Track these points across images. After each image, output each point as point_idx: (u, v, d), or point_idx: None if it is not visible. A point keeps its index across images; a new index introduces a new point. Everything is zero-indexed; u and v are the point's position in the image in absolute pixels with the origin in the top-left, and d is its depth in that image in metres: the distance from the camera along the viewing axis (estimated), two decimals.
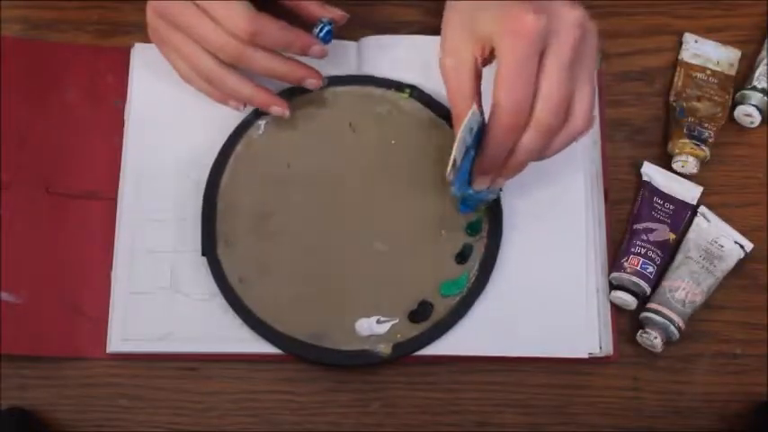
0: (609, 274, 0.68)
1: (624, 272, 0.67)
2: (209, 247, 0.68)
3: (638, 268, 0.67)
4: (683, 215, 0.69)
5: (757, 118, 0.71)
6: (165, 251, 0.68)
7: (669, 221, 0.69)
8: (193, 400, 0.67)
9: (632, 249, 0.67)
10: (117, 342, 0.66)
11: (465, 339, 0.66)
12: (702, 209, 0.70)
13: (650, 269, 0.67)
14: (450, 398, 0.67)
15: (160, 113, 0.72)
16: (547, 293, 0.67)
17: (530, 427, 0.66)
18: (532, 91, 0.56)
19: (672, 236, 0.68)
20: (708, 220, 0.69)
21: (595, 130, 0.71)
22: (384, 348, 0.65)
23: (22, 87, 0.72)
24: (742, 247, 0.69)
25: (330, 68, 0.72)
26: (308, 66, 0.68)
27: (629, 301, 0.67)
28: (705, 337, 0.68)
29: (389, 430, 0.66)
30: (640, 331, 0.66)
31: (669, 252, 0.68)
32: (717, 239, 0.68)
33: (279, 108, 0.69)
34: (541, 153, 0.60)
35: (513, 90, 0.55)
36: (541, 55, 0.56)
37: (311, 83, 0.69)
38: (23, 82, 0.72)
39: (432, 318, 0.66)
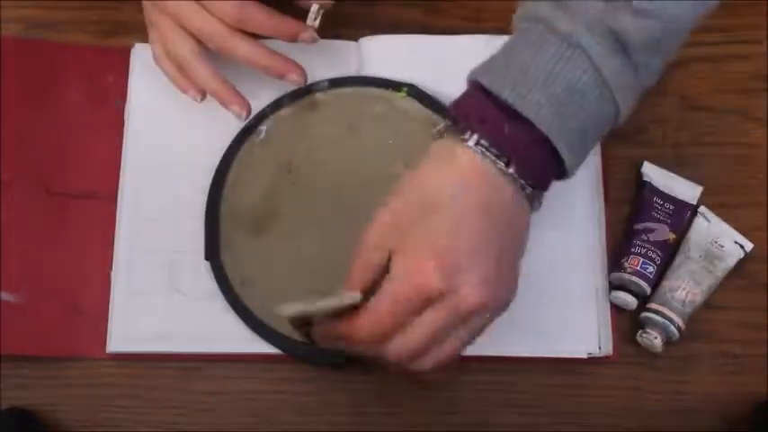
0: (609, 274, 0.68)
1: (624, 272, 0.67)
2: (212, 252, 0.68)
3: (638, 268, 0.67)
4: (683, 215, 0.69)
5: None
6: (165, 251, 0.68)
7: (669, 221, 0.68)
8: (193, 400, 0.67)
9: (632, 249, 0.67)
10: (117, 342, 0.67)
11: None
12: (702, 209, 0.70)
13: (650, 269, 0.67)
14: (450, 398, 0.67)
15: (160, 113, 0.72)
16: (546, 293, 0.67)
17: (530, 427, 0.66)
18: (397, 326, 0.54)
19: (672, 236, 0.68)
20: (708, 220, 0.69)
21: None
22: None
23: (22, 87, 0.72)
24: (742, 246, 0.68)
25: (330, 69, 0.72)
26: (292, 62, 0.68)
27: (629, 301, 0.67)
28: (705, 337, 0.68)
29: (389, 430, 0.66)
30: (640, 331, 0.66)
31: (669, 252, 0.68)
32: (717, 239, 0.68)
33: (237, 108, 0.68)
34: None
35: (378, 321, 0.54)
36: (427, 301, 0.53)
37: (293, 78, 0.68)
38: (23, 82, 0.72)
39: None
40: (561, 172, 0.57)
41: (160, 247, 0.68)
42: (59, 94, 0.72)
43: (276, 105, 0.71)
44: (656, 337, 0.66)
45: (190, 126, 0.71)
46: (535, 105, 0.53)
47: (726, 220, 0.69)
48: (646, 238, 0.68)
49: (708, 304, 0.67)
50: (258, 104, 0.71)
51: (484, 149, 0.53)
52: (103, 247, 0.69)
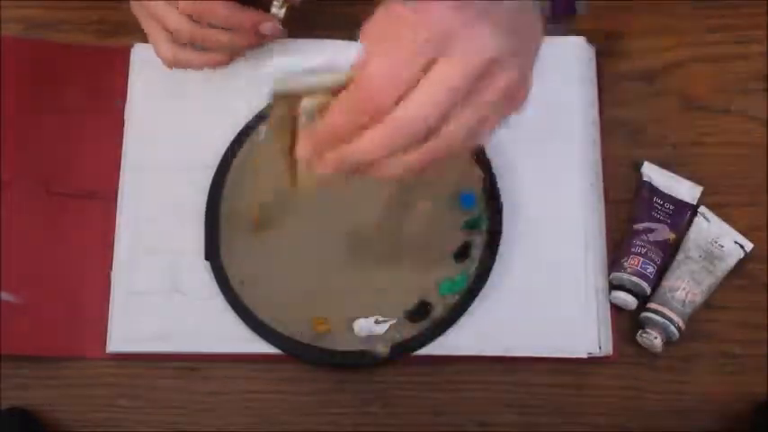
0: (609, 275, 0.68)
1: (624, 272, 0.67)
2: (212, 252, 0.68)
3: (639, 268, 0.67)
4: (683, 215, 0.69)
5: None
6: (165, 251, 0.68)
7: (669, 221, 0.68)
8: (193, 400, 0.67)
9: (632, 249, 0.67)
10: (117, 342, 0.67)
11: (464, 339, 0.66)
12: (702, 209, 0.70)
13: (650, 269, 0.67)
14: (450, 398, 0.67)
15: (160, 113, 0.72)
16: (546, 293, 0.67)
17: (530, 427, 0.66)
18: (401, 88, 0.46)
19: (672, 236, 0.68)
20: (708, 220, 0.69)
21: (595, 130, 0.71)
22: (382, 348, 0.65)
23: (22, 87, 0.72)
24: (742, 247, 0.68)
25: (330, 69, 0.72)
26: (254, 15, 0.67)
27: (629, 301, 0.67)
28: (705, 337, 0.68)
29: (389, 430, 0.66)
30: (640, 331, 0.66)
31: (669, 252, 0.68)
32: (717, 239, 0.68)
33: (269, 23, 0.67)
34: (385, 159, 0.48)
35: (381, 67, 0.46)
36: (434, 59, 0.46)
37: (267, 28, 0.67)
38: (23, 82, 0.72)
39: (430, 317, 0.66)
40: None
41: (160, 247, 0.68)
42: (59, 94, 0.72)
43: None
44: (656, 337, 0.66)
45: (190, 126, 0.71)
46: None
47: (726, 220, 0.69)
48: (646, 238, 0.68)
49: (708, 304, 0.67)
50: (258, 105, 0.71)
51: None
52: (103, 247, 0.69)
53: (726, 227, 0.69)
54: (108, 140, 0.71)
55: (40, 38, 0.74)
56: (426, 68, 0.46)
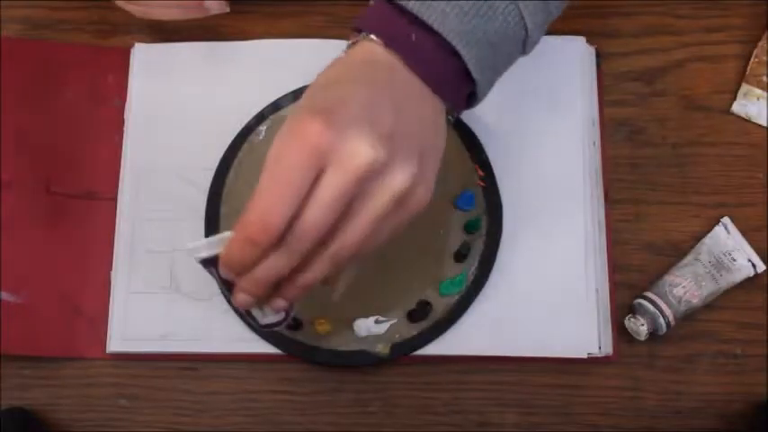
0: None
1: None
2: None
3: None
4: None
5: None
6: (165, 251, 0.68)
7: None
8: (193, 400, 0.67)
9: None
10: (117, 342, 0.67)
11: (464, 339, 0.66)
12: (725, 220, 0.69)
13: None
14: (450, 398, 0.67)
15: (160, 113, 0.72)
16: (546, 293, 0.67)
17: (530, 426, 0.66)
18: (291, 207, 0.48)
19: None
20: (728, 232, 0.69)
21: (595, 130, 0.71)
22: (382, 348, 0.65)
23: (22, 87, 0.72)
24: (754, 266, 0.68)
25: None
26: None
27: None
28: (705, 337, 0.68)
29: (389, 430, 0.66)
30: (629, 315, 0.66)
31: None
32: (731, 252, 0.68)
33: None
34: (294, 275, 0.52)
35: (266, 198, 0.49)
36: (319, 172, 0.48)
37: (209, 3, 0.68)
38: (23, 82, 0.72)
39: (430, 317, 0.66)
40: (472, 95, 0.56)
41: (160, 247, 0.69)
42: (59, 94, 0.72)
43: (275, 106, 0.71)
44: (642, 324, 0.65)
45: (190, 126, 0.71)
46: (440, 14, 0.52)
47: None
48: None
49: (708, 304, 0.67)
50: (258, 105, 0.71)
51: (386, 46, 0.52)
52: (103, 247, 0.69)
53: (744, 243, 0.68)
54: (108, 140, 0.71)
55: (40, 38, 0.74)
56: (312, 185, 0.48)
